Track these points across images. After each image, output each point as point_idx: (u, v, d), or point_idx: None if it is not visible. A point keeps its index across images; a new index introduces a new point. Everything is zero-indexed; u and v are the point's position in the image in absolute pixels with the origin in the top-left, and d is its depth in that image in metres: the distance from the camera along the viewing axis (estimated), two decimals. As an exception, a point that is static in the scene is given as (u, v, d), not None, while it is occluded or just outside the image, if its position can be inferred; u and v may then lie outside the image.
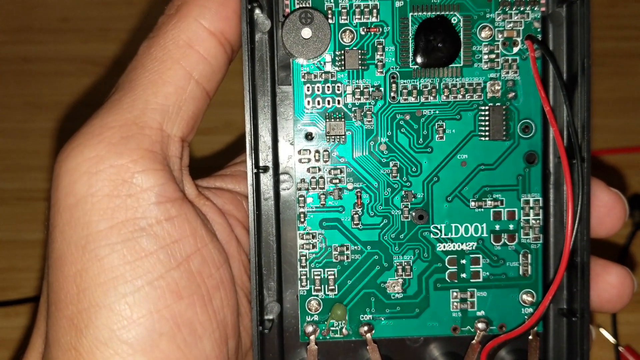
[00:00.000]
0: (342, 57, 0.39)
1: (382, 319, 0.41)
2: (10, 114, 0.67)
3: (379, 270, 0.40)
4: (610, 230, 0.40)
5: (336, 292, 0.40)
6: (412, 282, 0.40)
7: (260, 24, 0.38)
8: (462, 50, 0.39)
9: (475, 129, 0.40)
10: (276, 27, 0.39)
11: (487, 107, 0.40)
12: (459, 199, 0.40)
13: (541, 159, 0.40)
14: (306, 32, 0.38)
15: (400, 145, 0.40)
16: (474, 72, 0.40)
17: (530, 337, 0.40)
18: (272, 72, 0.39)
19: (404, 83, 0.40)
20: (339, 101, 0.40)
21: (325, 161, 0.40)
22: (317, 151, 0.40)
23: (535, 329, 0.39)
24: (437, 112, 0.40)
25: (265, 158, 0.39)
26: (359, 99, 0.40)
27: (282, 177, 0.40)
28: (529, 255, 0.41)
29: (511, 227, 0.40)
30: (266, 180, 0.39)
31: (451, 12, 0.39)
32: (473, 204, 0.40)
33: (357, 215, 0.40)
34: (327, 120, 0.40)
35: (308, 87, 0.39)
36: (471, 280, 0.41)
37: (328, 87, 0.39)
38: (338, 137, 0.40)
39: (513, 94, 0.40)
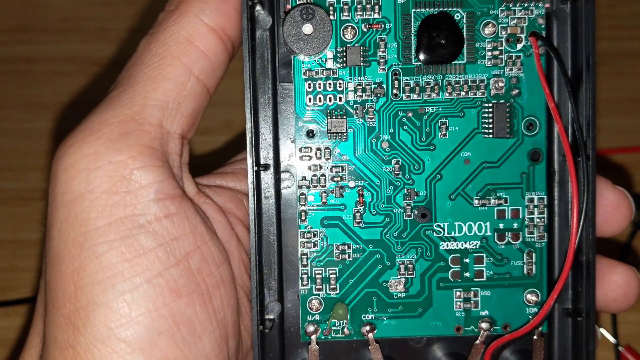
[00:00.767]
0: (344, 54, 0.39)
1: (384, 318, 0.40)
2: (10, 114, 0.67)
3: (381, 269, 0.40)
4: (617, 228, 0.39)
5: (338, 292, 0.40)
6: (415, 281, 0.40)
7: (261, 20, 0.38)
8: (465, 47, 0.39)
9: (479, 127, 0.40)
10: (277, 24, 0.38)
11: (490, 104, 0.39)
12: (462, 197, 0.40)
13: (545, 156, 0.40)
14: (307, 28, 0.37)
15: (403, 143, 0.39)
16: (477, 69, 0.39)
17: (535, 337, 0.39)
18: (273, 70, 0.38)
19: (407, 80, 0.39)
20: (340, 98, 0.39)
21: (327, 159, 0.39)
22: (319, 149, 0.39)
23: (540, 329, 0.39)
24: (440, 109, 0.39)
25: (266, 156, 0.39)
26: (361, 96, 0.39)
27: (283, 175, 0.39)
28: (534, 254, 0.40)
29: (515, 225, 0.40)
30: (267, 178, 0.38)
31: (454, 9, 0.39)
32: (476, 202, 0.40)
33: (358, 214, 0.40)
34: (329, 117, 0.39)
35: (309, 84, 0.39)
36: (475, 280, 0.40)
37: (329, 84, 0.39)
38: (340, 134, 0.39)
39: (517, 91, 0.39)
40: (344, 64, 0.39)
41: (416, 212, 0.40)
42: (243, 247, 0.38)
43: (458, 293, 0.40)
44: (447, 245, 0.40)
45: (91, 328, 0.31)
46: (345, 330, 0.40)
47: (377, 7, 0.39)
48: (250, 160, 0.36)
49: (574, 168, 0.37)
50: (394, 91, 0.39)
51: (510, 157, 0.40)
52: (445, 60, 0.39)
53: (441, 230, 0.40)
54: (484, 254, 0.40)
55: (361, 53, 0.39)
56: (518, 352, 0.41)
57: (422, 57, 0.39)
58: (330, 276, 0.40)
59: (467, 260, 0.40)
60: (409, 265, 0.40)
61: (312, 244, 0.40)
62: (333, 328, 0.40)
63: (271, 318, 0.39)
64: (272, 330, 0.39)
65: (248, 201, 0.36)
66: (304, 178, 0.39)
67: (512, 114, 0.39)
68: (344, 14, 0.39)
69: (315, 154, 0.39)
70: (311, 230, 0.40)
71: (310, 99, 0.39)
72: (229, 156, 0.43)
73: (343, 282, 0.40)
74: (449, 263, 0.40)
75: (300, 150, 0.39)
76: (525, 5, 0.39)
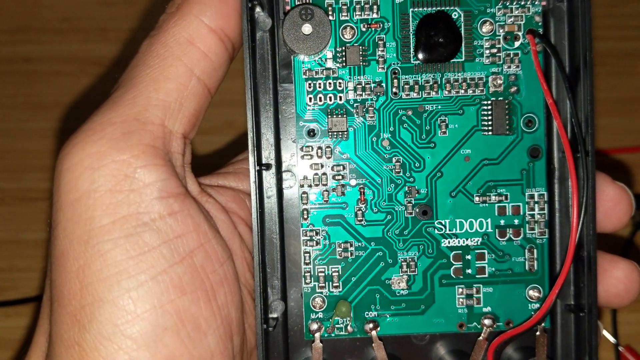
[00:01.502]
0: (343, 54, 0.39)
1: (387, 315, 0.40)
2: (10, 114, 0.67)
3: (383, 266, 0.40)
4: (617, 224, 0.39)
5: (340, 289, 0.40)
6: (417, 278, 0.40)
7: (260, 22, 0.38)
8: (463, 45, 0.39)
9: (478, 124, 0.40)
10: (277, 25, 0.39)
11: (489, 102, 0.40)
12: (463, 194, 0.40)
13: (545, 153, 0.40)
14: (307, 28, 0.38)
15: (403, 141, 0.40)
16: (475, 67, 0.40)
17: (537, 333, 0.39)
18: (274, 70, 0.39)
19: (406, 78, 0.39)
20: (340, 97, 0.39)
21: (328, 158, 0.40)
22: (320, 148, 0.40)
23: (543, 324, 0.39)
24: (439, 107, 0.40)
25: (268, 155, 0.39)
26: (361, 95, 0.39)
27: (284, 175, 0.40)
28: (535, 250, 0.40)
29: (516, 222, 0.40)
30: (269, 177, 0.39)
31: (451, 7, 0.39)
32: (477, 199, 0.40)
33: (360, 212, 0.40)
34: (329, 116, 0.39)
35: (310, 84, 0.39)
36: (477, 276, 0.40)
37: (329, 83, 0.39)
38: (340, 133, 0.40)
39: (515, 88, 0.40)
40: (344, 64, 0.39)
41: (417, 210, 0.40)
42: (246, 246, 0.38)
43: (460, 290, 0.40)
44: (449, 242, 0.40)
45: (97, 325, 0.31)
46: (349, 328, 0.40)
47: (375, 7, 0.39)
48: (252, 160, 0.36)
49: (574, 164, 0.37)
50: (394, 90, 0.40)
51: (510, 154, 0.40)
52: (443, 59, 0.39)
53: (442, 227, 0.40)
54: (486, 251, 0.40)
55: (360, 52, 0.39)
56: (521, 349, 0.41)
57: (420, 55, 0.39)
58: (333, 274, 0.40)
59: (468, 257, 0.40)
60: (411, 263, 0.40)
61: (314, 242, 0.40)
62: (336, 326, 0.40)
63: (275, 317, 0.39)
64: (275, 329, 0.39)
65: (250, 201, 0.36)
66: (305, 177, 0.40)
67: (511, 111, 0.40)
68: (343, 14, 0.39)
69: (317, 153, 0.40)
70: (313, 228, 0.40)
71: (310, 98, 0.39)
72: (230, 156, 0.43)
73: (346, 280, 0.40)
74: (451, 260, 0.40)
75: (301, 149, 0.40)
76: (522, 3, 0.39)
